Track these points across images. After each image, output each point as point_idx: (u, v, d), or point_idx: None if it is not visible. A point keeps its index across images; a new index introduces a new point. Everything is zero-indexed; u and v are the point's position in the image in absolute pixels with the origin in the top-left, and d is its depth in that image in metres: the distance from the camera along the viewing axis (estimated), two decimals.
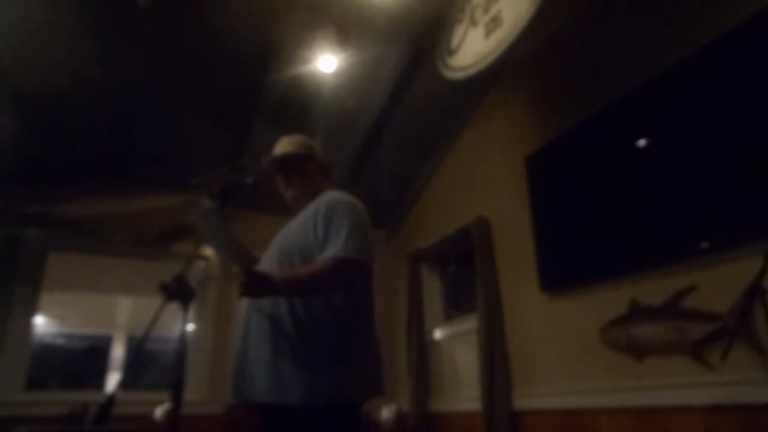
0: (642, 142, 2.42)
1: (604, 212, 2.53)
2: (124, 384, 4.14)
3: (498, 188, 3.34)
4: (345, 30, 3.08)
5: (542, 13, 2.26)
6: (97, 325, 6.13)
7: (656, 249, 2.24)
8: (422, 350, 3.81)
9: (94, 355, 6.00)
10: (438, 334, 3.83)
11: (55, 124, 3.23)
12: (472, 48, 2.72)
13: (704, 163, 2.09)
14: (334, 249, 1.53)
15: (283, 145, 1.85)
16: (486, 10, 2.67)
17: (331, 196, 1.71)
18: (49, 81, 2.96)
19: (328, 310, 1.53)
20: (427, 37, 3.21)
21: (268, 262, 1.68)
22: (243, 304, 1.67)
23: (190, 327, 3.84)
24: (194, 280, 3.70)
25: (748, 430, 1.86)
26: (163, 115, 3.37)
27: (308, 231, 1.62)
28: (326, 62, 3.20)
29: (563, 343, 2.71)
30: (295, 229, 1.70)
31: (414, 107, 3.64)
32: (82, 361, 6.15)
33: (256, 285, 1.44)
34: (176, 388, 1.40)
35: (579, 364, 2.58)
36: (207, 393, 3.60)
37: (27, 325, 3.41)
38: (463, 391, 3.40)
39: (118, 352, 5.92)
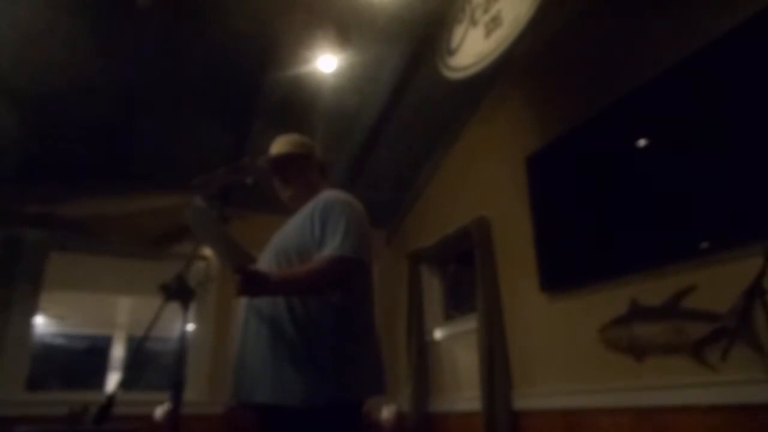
0: (642, 142, 2.42)
1: (604, 212, 2.52)
2: (124, 384, 4.14)
3: (498, 188, 3.34)
4: (345, 30, 3.08)
5: (542, 13, 2.26)
6: (97, 325, 6.12)
7: (656, 249, 2.24)
8: (422, 350, 3.81)
9: (94, 355, 5.99)
10: (438, 334, 3.83)
11: (55, 124, 3.23)
12: (472, 48, 2.72)
13: (704, 163, 2.09)
14: (331, 248, 1.52)
15: (279, 145, 1.84)
16: (486, 10, 2.67)
17: (328, 195, 1.71)
18: (49, 81, 2.96)
19: (327, 310, 1.53)
20: (427, 37, 3.21)
21: (265, 262, 1.68)
22: (241, 305, 1.67)
23: (190, 327, 3.84)
24: (194, 280, 3.70)
25: (748, 430, 1.86)
26: (163, 115, 3.37)
27: (305, 230, 1.62)
28: (326, 62, 3.20)
29: (563, 342, 2.70)
30: (292, 228, 1.70)
31: (414, 107, 3.63)
32: (82, 361, 6.15)
33: (252, 284, 1.44)
34: (176, 388, 1.40)
35: (579, 364, 2.58)
36: (207, 393, 3.60)
37: (27, 325, 3.41)
38: (463, 391, 3.40)
39: (118, 352, 5.91)
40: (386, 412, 3.75)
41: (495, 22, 2.56)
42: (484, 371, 3.02)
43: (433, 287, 4.07)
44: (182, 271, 1.50)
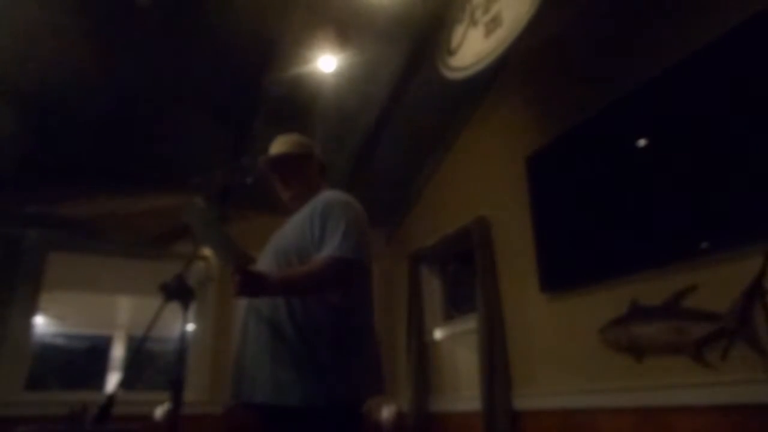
0: (642, 142, 2.42)
1: (604, 212, 2.52)
2: (124, 384, 4.15)
3: (498, 188, 3.34)
4: (345, 30, 3.08)
5: (542, 13, 2.26)
6: (97, 325, 6.13)
7: (656, 249, 2.24)
8: (422, 350, 3.81)
9: (94, 355, 6.00)
10: (438, 334, 3.83)
11: (55, 124, 3.23)
12: (472, 48, 2.72)
13: (704, 163, 2.09)
14: (330, 248, 1.52)
15: (278, 145, 1.84)
16: (486, 10, 2.67)
17: (328, 195, 1.71)
18: (49, 81, 2.96)
19: (327, 311, 1.53)
20: (427, 37, 3.21)
21: (265, 262, 1.68)
22: (242, 305, 1.67)
23: (190, 327, 3.84)
24: (194, 280, 3.71)
25: (748, 430, 1.86)
26: (163, 115, 3.37)
27: (305, 231, 1.62)
28: (326, 62, 3.20)
29: (563, 343, 2.71)
30: (291, 229, 1.70)
31: (414, 107, 3.63)
32: (82, 361, 6.15)
33: (251, 284, 1.44)
34: (176, 388, 1.40)
35: (579, 364, 2.58)
36: (207, 393, 3.60)
37: (27, 325, 3.41)
38: (463, 391, 3.40)
39: (118, 352, 5.91)
40: (386, 412, 3.75)
41: (495, 22, 2.56)
42: (484, 371, 3.02)
43: (433, 287, 4.07)
44: (182, 271, 1.50)
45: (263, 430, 1.58)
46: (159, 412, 3.22)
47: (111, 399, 1.31)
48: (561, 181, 2.83)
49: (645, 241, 2.29)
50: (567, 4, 2.74)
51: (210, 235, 1.54)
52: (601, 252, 2.52)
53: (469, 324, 3.39)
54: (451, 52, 2.93)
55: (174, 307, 1.47)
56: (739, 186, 1.96)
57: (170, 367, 1.48)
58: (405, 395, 3.74)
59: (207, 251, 3.49)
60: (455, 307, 3.91)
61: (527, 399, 2.86)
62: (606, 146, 2.56)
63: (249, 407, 1.57)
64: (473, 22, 2.78)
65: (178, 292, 1.46)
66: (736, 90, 2.03)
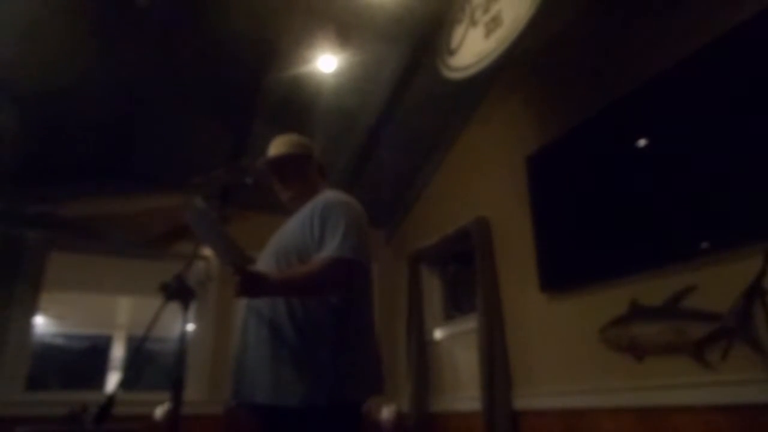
0: (642, 142, 2.42)
1: (604, 212, 2.52)
2: (124, 384, 4.15)
3: (498, 188, 3.34)
4: (345, 30, 3.08)
5: (542, 13, 2.26)
6: (97, 325, 6.13)
7: (656, 249, 2.24)
8: (422, 350, 3.81)
9: (94, 355, 6.00)
10: (438, 334, 3.83)
11: (55, 124, 3.23)
12: (472, 48, 2.72)
13: (704, 163, 2.09)
14: (330, 249, 1.52)
15: (276, 146, 1.84)
16: (486, 10, 2.67)
17: (328, 195, 1.71)
18: (49, 81, 2.96)
19: (326, 311, 1.53)
20: (427, 37, 3.21)
21: (265, 263, 1.68)
22: (241, 305, 1.67)
23: (190, 327, 3.84)
24: (194, 280, 3.71)
25: (748, 430, 1.86)
26: (163, 115, 3.37)
27: (305, 231, 1.62)
28: (326, 62, 3.20)
29: (563, 343, 2.70)
30: (291, 229, 1.70)
31: (414, 107, 3.63)
32: (82, 361, 6.15)
33: (251, 285, 1.44)
34: (176, 387, 1.41)
35: (579, 364, 2.58)
36: (207, 393, 3.60)
37: (27, 325, 3.41)
38: (463, 391, 3.40)
39: (118, 352, 5.92)
40: (386, 412, 3.75)
41: (495, 22, 2.56)
42: (484, 371, 3.02)
43: (433, 287, 4.07)
44: (182, 271, 1.50)
45: (263, 430, 1.58)
46: (159, 412, 3.22)
47: (111, 399, 1.31)
48: (561, 181, 2.83)
49: (645, 241, 2.28)
50: (567, 4, 2.74)
51: (210, 236, 1.54)
52: (601, 252, 2.52)
53: (469, 324, 3.39)
54: (451, 52, 2.94)
55: (174, 307, 1.47)
56: (738, 186, 1.96)
57: (170, 367, 1.48)
58: (405, 395, 3.74)
59: (208, 251, 3.49)
60: (455, 307, 3.91)
61: (527, 399, 2.86)
62: (606, 146, 2.56)
63: (249, 407, 1.57)
64: (473, 22, 2.78)
65: (178, 292, 1.46)
66: (736, 90, 2.03)
